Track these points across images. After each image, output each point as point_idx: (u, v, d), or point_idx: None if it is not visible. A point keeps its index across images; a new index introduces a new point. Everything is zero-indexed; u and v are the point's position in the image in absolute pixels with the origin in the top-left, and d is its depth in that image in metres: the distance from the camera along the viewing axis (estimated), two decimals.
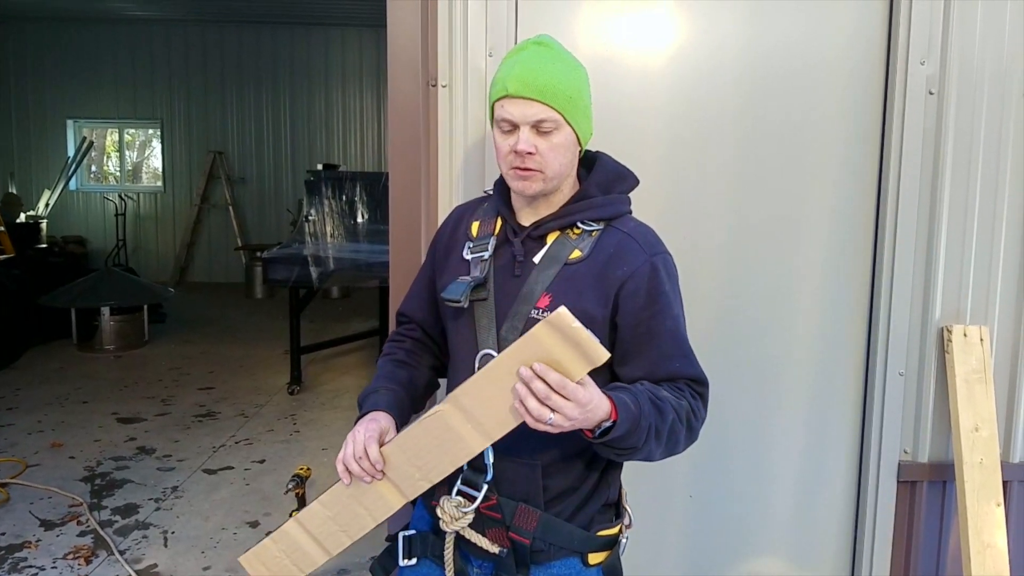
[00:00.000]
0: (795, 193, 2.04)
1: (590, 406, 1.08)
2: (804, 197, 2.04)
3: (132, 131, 10.50)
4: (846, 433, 2.12)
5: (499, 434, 1.17)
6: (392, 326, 1.77)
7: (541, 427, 1.08)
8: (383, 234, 5.22)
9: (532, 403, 1.07)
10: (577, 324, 1.06)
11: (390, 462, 1.22)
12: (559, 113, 1.24)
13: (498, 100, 1.26)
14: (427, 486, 1.23)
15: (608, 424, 1.11)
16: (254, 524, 3.34)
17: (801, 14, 1.99)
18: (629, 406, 1.13)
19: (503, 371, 1.13)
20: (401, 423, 1.29)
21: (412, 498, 1.25)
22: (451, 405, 1.18)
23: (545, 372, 1.06)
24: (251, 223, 10.07)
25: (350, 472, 1.22)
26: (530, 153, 1.23)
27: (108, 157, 10.92)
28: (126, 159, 10.60)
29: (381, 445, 1.22)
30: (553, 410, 1.06)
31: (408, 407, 1.36)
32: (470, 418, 1.17)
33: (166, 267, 9.90)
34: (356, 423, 1.28)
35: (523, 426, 1.14)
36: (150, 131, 10.37)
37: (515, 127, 1.25)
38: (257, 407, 4.95)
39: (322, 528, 1.28)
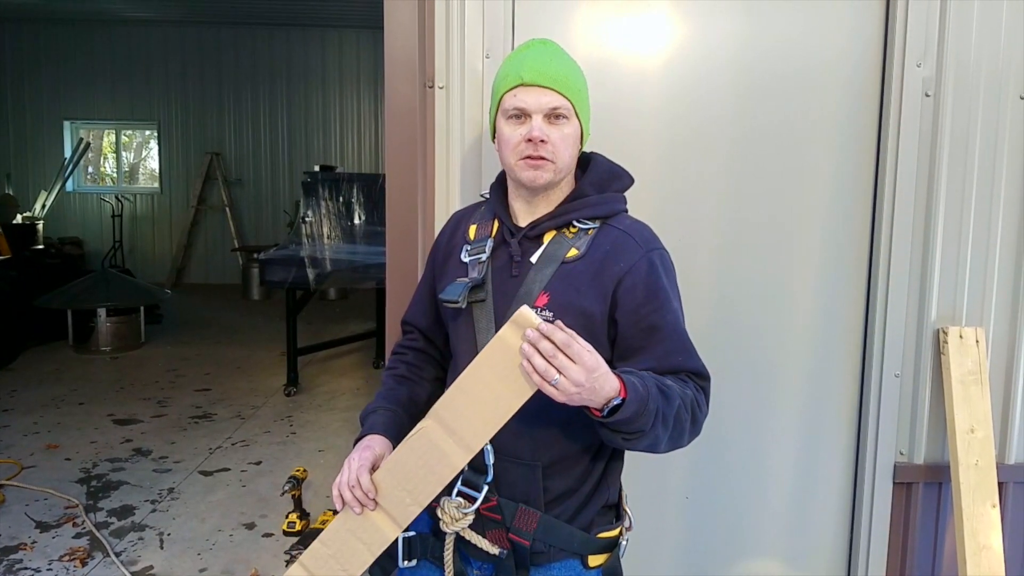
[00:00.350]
0: (791, 194, 2.04)
1: (596, 373, 1.06)
2: (800, 198, 2.04)
3: (129, 132, 10.49)
4: (842, 434, 2.12)
5: (478, 445, 1.17)
6: (389, 329, 1.77)
7: (547, 388, 1.06)
8: (380, 236, 5.22)
9: (538, 360, 1.05)
10: (539, 321, 1.06)
11: (382, 489, 1.23)
12: (571, 103, 1.27)
13: (509, 91, 1.28)
14: (418, 510, 1.23)
15: (616, 402, 1.10)
16: (250, 526, 3.34)
17: (798, 16, 1.99)
18: (637, 386, 1.12)
19: (475, 380, 1.13)
20: (398, 444, 1.29)
21: (405, 526, 1.25)
22: (433, 420, 1.18)
23: (551, 332, 1.05)
24: (248, 224, 10.06)
25: (344, 500, 1.23)
26: (543, 141, 1.25)
27: (105, 158, 10.90)
28: (123, 160, 10.59)
29: (374, 471, 1.23)
30: (559, 371, 1.05)
31: (407, 426, 1.35)
32: (450, 432, 1.17)
33: (163, 268, 9.88)
34: (355, 444, 1.30)
35: (523, 426, 1.14)
36: (147, 132, 10.36)
37: (527, 116, 1.26)
38: (254, 409, 4.94)
39: (324, 568, 1.28)
